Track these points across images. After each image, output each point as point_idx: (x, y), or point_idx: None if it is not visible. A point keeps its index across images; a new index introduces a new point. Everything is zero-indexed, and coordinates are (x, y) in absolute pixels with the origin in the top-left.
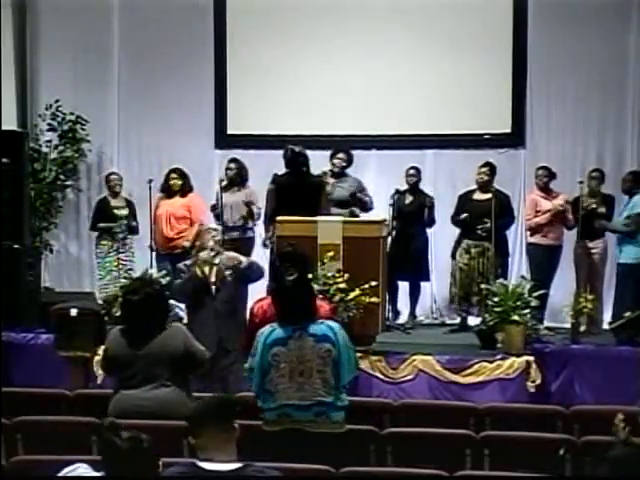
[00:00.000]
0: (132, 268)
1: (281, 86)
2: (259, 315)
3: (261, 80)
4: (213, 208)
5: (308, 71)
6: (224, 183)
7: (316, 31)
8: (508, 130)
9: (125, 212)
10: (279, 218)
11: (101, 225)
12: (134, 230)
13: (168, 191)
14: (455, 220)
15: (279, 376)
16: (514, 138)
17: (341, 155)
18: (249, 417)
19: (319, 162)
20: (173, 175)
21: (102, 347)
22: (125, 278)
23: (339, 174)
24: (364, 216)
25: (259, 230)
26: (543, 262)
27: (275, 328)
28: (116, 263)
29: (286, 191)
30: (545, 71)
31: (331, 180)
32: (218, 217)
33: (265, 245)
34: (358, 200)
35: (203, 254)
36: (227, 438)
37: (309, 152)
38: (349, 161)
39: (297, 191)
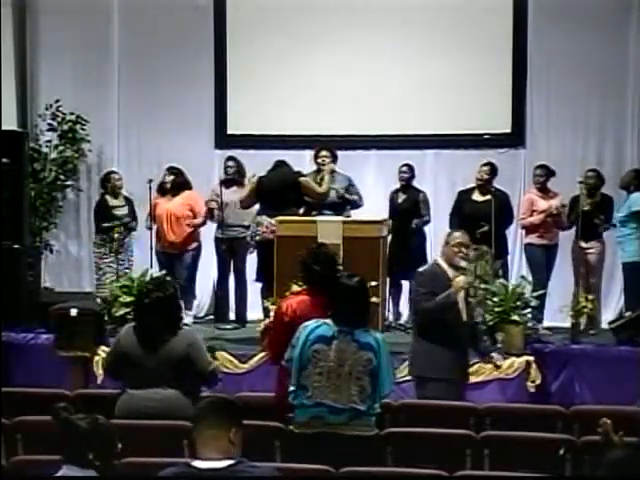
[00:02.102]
0: (130, 268)
1: (281, 86)
2: (289, 314)
3: (261, 80)
4: (206, 203)
5: (308, 71)
6: (219, 182)
7: (317, 31)
8: (508, 130)
9: (124, 211)
10: (279, 218)
11: (105, 225)
12: (132, 229)
13: (163, 189)
14: (450, 224)
15: (317, 373)
16: (514, 138)
17: (324, 152)
18: (249, 417)
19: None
20: (167, 173)
21: (105, 346)
22: (124, 276)
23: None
24: (363, 216)
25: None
26: (540, 262)
27: (321, 324)
28: (115, 262)
29: (265, 188)
30: (545, 71)
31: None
32: (212, 215)
33: (251, 237)
34: (346, 199)
35: (461, 280)
36: (219, 436)
37: (309, 152)
38: (334, 158)
39: (274, 186)
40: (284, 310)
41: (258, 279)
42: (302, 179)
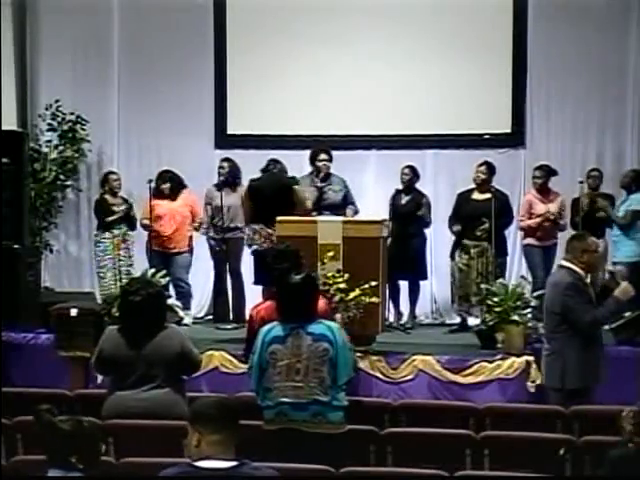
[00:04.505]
0: (132, 264)
1: (281, 86)
2: (257, 320)
3: (261, 80)
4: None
5: (308, 71)
6: (214, 184)
7: (317, 31)
8: (508, 130)
9: (123, 208)
10: (279, 218)
11: (108, 220)
12: (133, 225)
13: (160, 193)
14: (450, 225)
15: (276, 374)
16: (514, 138)
17: (324, 155)
18: (248, 417)
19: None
20: (161, 181)
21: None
22: (126, 275)
23: (326, 176)
24: (363, 216)
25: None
26: (538, 262)
27: (274, 326)
28: (116, 260)
29: (259, 194)
30: (545, 71)
31: (319, 184)
32: (211, 217)
33: (249, 245)
34: (350, 203)
35: (629, 286)
36: (231, 438)
37: (309, 152)
38: (331, 160)
39: (268, 192)
40: (254, 317)
41: (256, 282)
42: (296, 187)
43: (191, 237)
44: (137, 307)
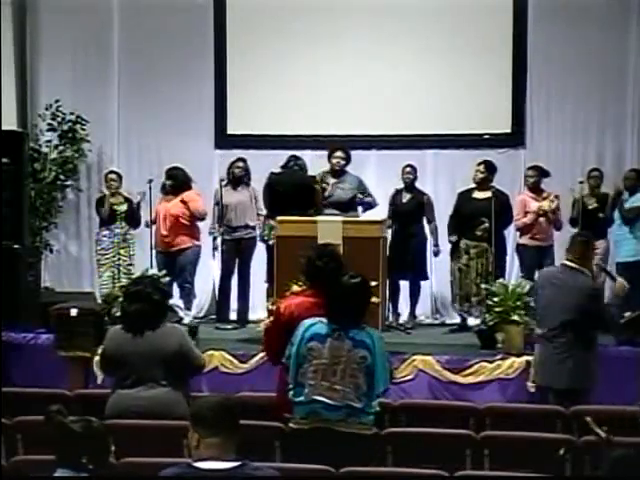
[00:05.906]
0: (132, 264)
1: (281, 86)
2: (286, 314)
3: (261, 80)
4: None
5: (309, 71)
6: (224, 183)
7: (317, 31)
8: (508, 130)
9: (124, 207)
10: (279, 218)
11: (106, 209)
12: (136, 223)
13: (165, 190)
14: (449, 229)
15: (312, 371)
16: (514, 138)
17: (339, 153)
18: (250, 417)
19: (319, 162)
20: (166, 176)
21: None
22: (125, 274)
23: (339, 173)
24: (365, 216)
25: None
26: (532, 263)
27: (317, 322)
28: (116, 259)
29: (278, 188)
30: (545, 71)
31: (331, 180)
32: (220, 216)
33: (264, 240)
34: (361, 202)
35: (624, 283)
36: (230, 439)
37: (309, 152)
38: (348, 159)
39: (288, 189)
40: (282, 311)
41: (269, 280)
42: (318, 187)
43: (195, 232)
44: (136, 295)
